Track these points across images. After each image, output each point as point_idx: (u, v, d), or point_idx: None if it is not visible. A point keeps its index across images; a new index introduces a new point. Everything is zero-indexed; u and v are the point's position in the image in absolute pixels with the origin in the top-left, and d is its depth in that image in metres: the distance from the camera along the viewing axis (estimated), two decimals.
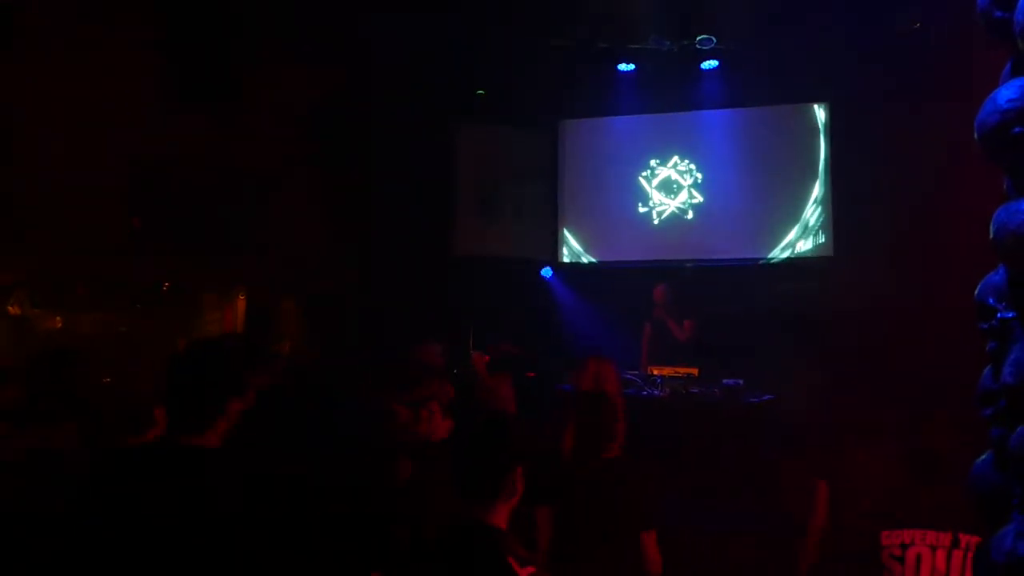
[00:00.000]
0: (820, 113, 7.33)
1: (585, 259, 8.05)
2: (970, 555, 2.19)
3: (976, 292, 1.27)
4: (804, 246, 7.30)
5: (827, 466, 3.00)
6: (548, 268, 8.16)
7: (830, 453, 3.01)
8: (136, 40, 5.84)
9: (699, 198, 7.71)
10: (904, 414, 2.75)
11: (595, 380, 3.94)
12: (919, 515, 2.29)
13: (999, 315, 1.20)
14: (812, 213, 7.30)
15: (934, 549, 2.23)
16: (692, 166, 7.75)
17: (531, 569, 1.75)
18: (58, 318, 5.39)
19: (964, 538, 2.21)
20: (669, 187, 7.81)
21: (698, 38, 6.85)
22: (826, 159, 7.26)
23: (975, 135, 1.22)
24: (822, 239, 7.23)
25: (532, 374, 6.45)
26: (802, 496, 3.23)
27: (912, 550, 2.25)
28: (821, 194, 7.26)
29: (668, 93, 7.66)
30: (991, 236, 1.19)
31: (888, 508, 2.35)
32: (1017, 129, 1.14)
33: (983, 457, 1.26)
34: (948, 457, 2.24)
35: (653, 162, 7.87)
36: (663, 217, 7.82)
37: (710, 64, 7.25)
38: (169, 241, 5.92)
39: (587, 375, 3.84)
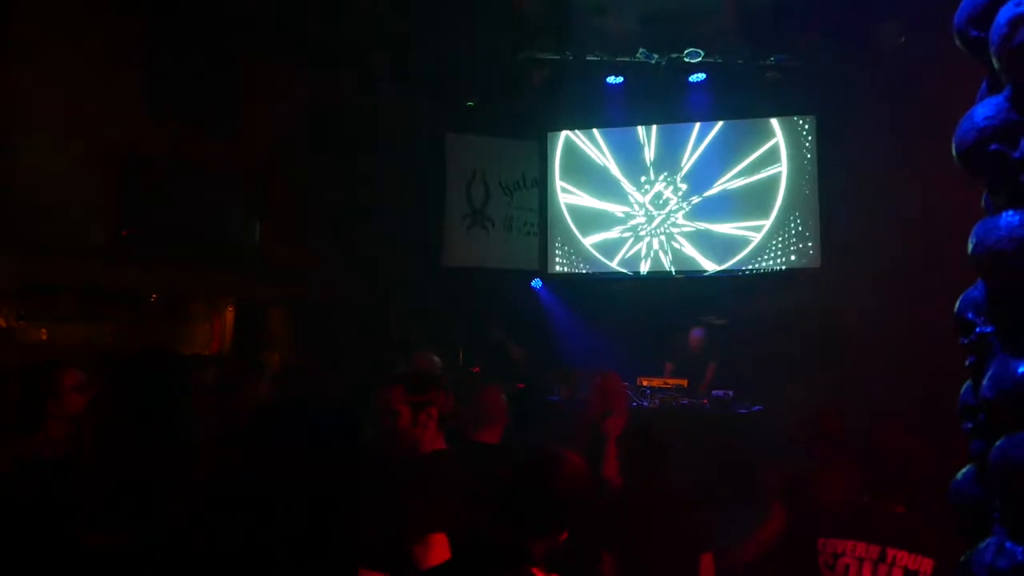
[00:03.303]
0: (808, 125, 7.40)
1: (574, 270, 8.06)
2: (895, 570, 2.25)
3: (956, 307, 1.28)
4: (793, 257, 7.35)
5: (805, 474, 3.02)
6: (538, 279, 8.18)
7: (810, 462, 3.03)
8: (126, 45, 5.82)
9: (687, 209, 7.75)
10: (886, 424, 2.78)
11: (603, 396, 4.01)
12: (860, 526, 2.35)
13: (978, 330, 1.21)
14: (800, 224, 7.35)
15: (861, 561, 2.31)
16: (680, 177, 7.80)
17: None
18: (43, 329, 5.34)
19: (891, 552, 2.28)
20: (658, 198, 7.85)
21: (685, 51, 6.90)
22: (814, 171, 7.32)
23: (953, 152, 1.24)
24: (811, 250, 7.28)
25: (522, 385, 6.46)
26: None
27: (842, 560, 2.34)
28: (810, 206, 7.32)
29: (656, 105, 7.71)
30: (969, 251, 1.21)
31: (834, 517, 2.43)
32: (994, 146, 1.16)
33: (964, 471, 1.27)
34: (911, 471, 2.30)
35: (641, 175, 7.92)
36: (652, 227, 7.86)
37: (697, 77, 7.31)
38: (157, 250, 5.89)
39: (596, 391, 3.92)
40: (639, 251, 7.86)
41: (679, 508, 2.83)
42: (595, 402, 4.15)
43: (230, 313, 6.83)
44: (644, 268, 7.80)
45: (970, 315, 1.23)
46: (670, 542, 2.72)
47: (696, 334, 6.83)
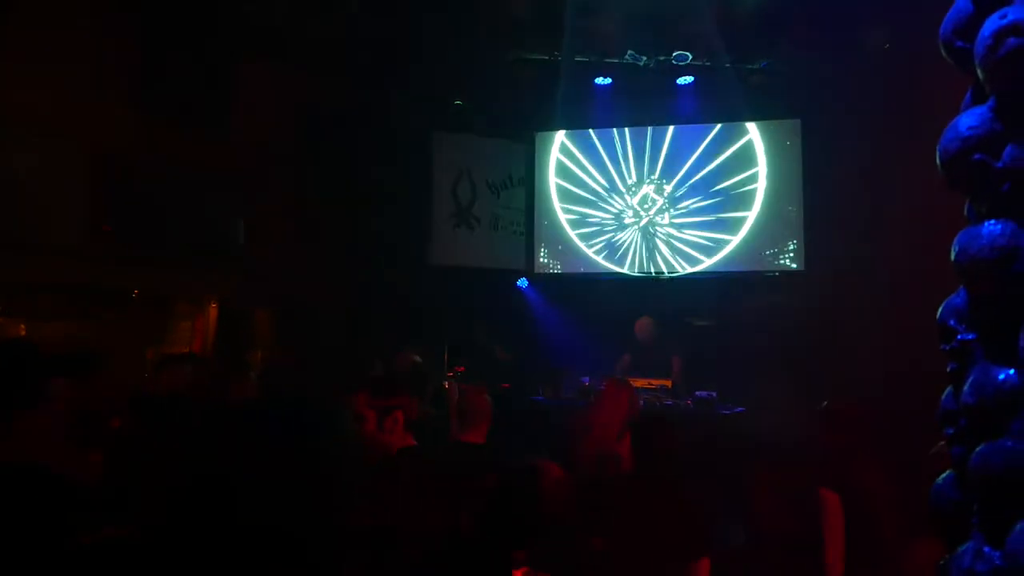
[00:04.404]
0: (793, 128, 7.45)
1: (560, 270, 8.08)
2: None
3: (938, 314, 1.29)
4: (777, 260, 7.40)
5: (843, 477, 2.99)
6: (524, 279, 8.18)
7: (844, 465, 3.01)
8: (111, 43, 5.75)
9: (674, 211, 7.79)
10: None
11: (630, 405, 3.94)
12: None
13: (959, 337, 1.22)
14: (785, 227, 7.40)
15: None
16: (667, 179, 7.83)
17: (525, 569, 1.81)
18: (22, 326, 5.26)
19: None
20: (644, 200, 7.89)
21: (674, 54, 6.93)
22: (799, 174, 7.38)
23: (937, 161, 1.25)
24: (794, 253, 7.34)
25: (507, 385, 6.47)
26: (776, 509, 3.25)
27: None
28: (793, 208, 7.38)
29: (644, 107, 7.74)
30: (952, 259, 1.22)
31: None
32: (977, 156, 1.17)
33: (944, 476, 1.28)
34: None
35: (628, 175, 7.94)
36: (638, 228, 7.89)
37: (685, 79, 7.34)
38: (140, 249, 5.82)
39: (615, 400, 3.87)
40: (625, 252, 7.89)
41: (680, 509, 2.80)
42: (616, 416, 3.94)
43: (213, 312, 6.77)
44: (629, 269, 7.82)
45: (952, 322, 1.25)
46: (666, 544, 2.70)
47: (641, 322, 6.79)
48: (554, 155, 8.16)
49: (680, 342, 6.77)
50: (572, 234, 8.06)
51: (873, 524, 2.77)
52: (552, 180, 8.14)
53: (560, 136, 8.16)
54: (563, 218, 8.10)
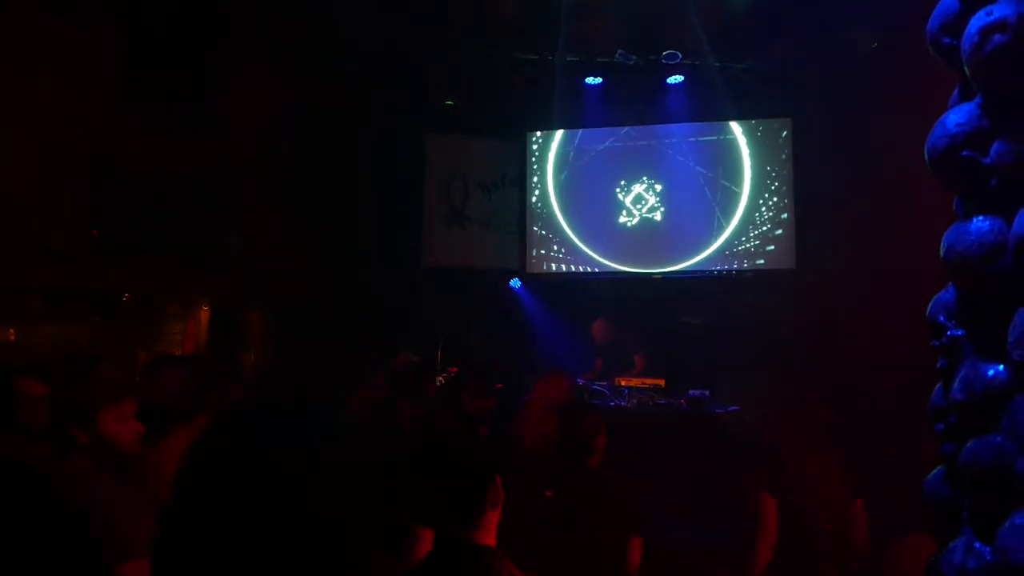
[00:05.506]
0: (785, 127, 7.47)
1: (553, 270, 8.07)
2: None
3: (927, 310, 1.30)
4: (769, 259, 7.42)
5: (785, 479, 3.03)
6: (517, 279, 8.17)
7: (788, 467, 3.04)
8: (99, 44, 5.71)
9: (665, 210, 7.80)
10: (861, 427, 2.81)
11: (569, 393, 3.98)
12: None
13: (949, 333, 1.23)
14: (776, 226, 7.42)
15: None
16: (658, 179, 7.84)
17: None
18: (11, 330, 5.22)
19: None
20: (636, 200, 7.89)
21: (664, 53, 6.94)
22: (790, 173, 7.40)
23: (925, 158, 1.26)
24: (786, 252, 7.36)
25: (500, 385, 6.45)
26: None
27: None
28: (785, 207, 7.40)
29: (635, 106, 7.74)
30: (941, 256, 1.23)
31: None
32: (965, 152, 1.18)
33: (935, 472, 1.29)
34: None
35: (620, 175, 7.94)
36: (630, 229, 7.89)
37: (676, 79, 7.35)
38: (131, 251, 5.78)
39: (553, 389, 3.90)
40: (617, 250, 7.88)
41: (610, 489, 2.84)
42: (554, 398, 3.98)
43: (205, 314, 6.74)
44: (622, 268, 7.82)
45: (941, 318, 1.25)
46: (601, 524, 2.74)
47: (596, 324, 6.87)
48: (546, 155, 8.16)
49: (639, 339, 6.80)
50: (564, 234, 8.06)
51: (809, 528, 2.81)
52: (544, 180, 8.14)
53: (551, 135, 8.15)
54: (555, 218, 8.09)
